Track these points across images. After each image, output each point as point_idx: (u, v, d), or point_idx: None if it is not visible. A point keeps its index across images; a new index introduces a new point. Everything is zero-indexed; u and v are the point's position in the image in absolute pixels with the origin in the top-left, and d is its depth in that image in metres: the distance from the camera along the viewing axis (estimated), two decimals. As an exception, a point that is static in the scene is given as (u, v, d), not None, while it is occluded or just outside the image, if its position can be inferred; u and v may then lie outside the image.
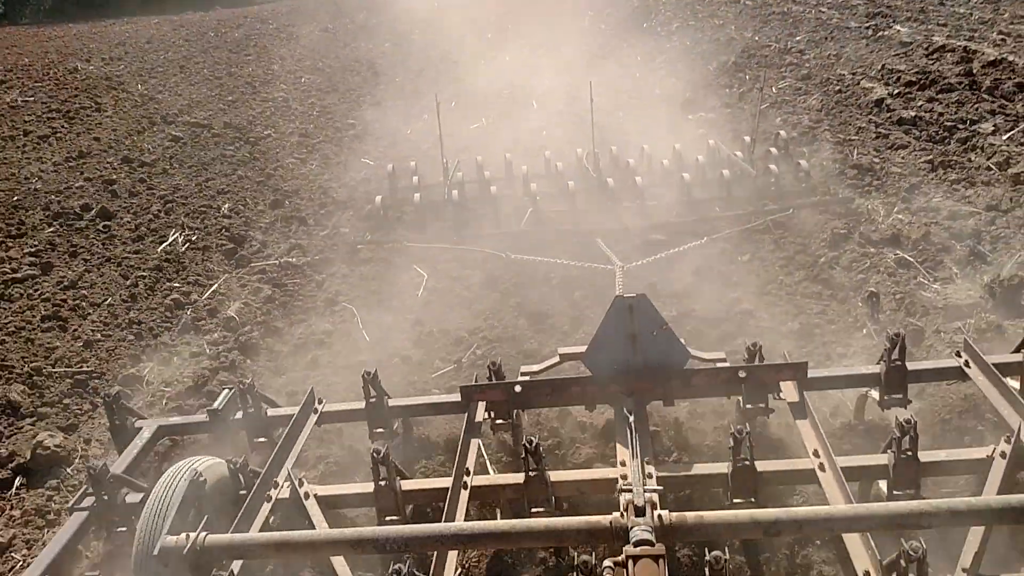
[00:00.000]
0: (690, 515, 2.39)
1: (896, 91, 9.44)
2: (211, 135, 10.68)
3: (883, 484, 3.04)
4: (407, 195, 7.36)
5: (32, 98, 12.70)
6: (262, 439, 3.76)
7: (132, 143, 10.33)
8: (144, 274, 6.47)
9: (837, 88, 9.93)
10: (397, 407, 3.71)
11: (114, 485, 3.35)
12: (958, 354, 3.49)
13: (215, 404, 3.74)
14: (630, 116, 9.67)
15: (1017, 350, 3.45)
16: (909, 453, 2.91)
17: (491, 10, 17.47)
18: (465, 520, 3.00)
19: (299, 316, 5.78)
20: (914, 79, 9.64)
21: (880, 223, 6.08)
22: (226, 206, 8.00)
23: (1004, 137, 7.29)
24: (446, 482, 3.17)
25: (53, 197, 8.07)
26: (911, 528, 2.39)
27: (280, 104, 12.52)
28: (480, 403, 3.56)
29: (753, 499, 2.99)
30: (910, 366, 3.37)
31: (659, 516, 2.36)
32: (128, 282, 6.35)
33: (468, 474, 3.21)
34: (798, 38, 13.56)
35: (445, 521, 2.91)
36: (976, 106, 8.33)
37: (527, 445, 3.02)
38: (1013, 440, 2.88)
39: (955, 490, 3.25)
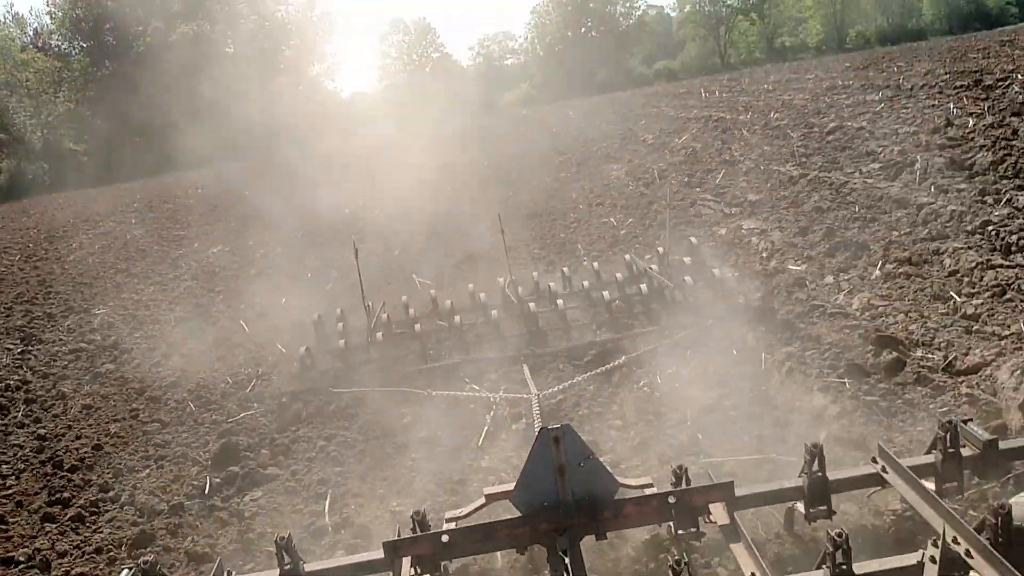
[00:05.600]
0: None
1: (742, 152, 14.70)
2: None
3: None
4: (334, 342, 7.08)
5: (192, 200, 20.40)
6: None
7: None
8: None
9: (721, 156, 14.96)
10: (314, 572, 3.40)
11: None
12: (874, 460, 3.47)
13: None
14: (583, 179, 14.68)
15: (929, 451, 3.48)
16: (843, 567, 2.86)
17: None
18: None
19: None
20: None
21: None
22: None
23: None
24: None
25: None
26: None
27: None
28: (406, 558, 3.31)
29: None
30: (830, 475, 3.36)
31: None
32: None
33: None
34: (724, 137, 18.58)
35: None
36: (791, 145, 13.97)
37: None
38: (940, 543, 2.86)
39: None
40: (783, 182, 10.56)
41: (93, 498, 5.09)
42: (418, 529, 3.46)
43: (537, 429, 4.10)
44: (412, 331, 6.95)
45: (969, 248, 6.46)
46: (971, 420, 3.50)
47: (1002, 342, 4.87)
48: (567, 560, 3.05)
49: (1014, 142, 10.05)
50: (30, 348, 9.14)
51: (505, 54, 79.83)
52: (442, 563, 3.40)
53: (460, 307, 7.31)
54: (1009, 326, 5.07)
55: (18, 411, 7.01)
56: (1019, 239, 6.33)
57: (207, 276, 11.87)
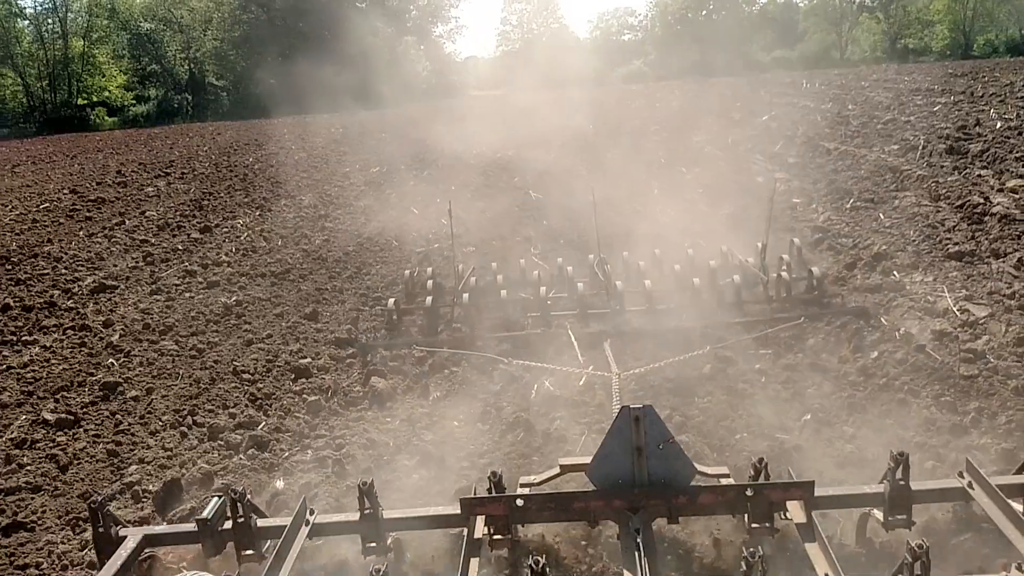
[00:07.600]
0: None
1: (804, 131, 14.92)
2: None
3: None
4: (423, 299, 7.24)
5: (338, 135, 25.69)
6: (250, 551, 3.52)
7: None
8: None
9: (787, 133, 15.16)
10: (392, 519, 3.54)
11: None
12: (961, 474, 3.42)
13: (204, 513, 3.50)
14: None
15: (1019, 471, 3.47)
16: (922, 579, 2.74)
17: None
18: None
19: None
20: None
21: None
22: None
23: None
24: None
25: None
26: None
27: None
28: (479, 517, 3.45)
29: None
30: (914, 486, 3.31)
31: None
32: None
33: (473, 597, 2.94)
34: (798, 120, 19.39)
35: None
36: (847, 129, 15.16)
37: (533, 566, 2.87)
38: None
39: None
40: (820, 153, 13.67)
41: (356, 270, 9.18)
42: (494, 490, 3.50)
43: (616, 407, 4.29)
44: (498, 297, 7.03)
45: (913, 196, 9.60)
46: None
47: (891, 237, 8.15)
48: (639, 539, 3.10)
49: (1010, 139, 12.78)
50: (264, 214, 13.32)
51: (623, 29, 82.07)
52: (513, 526, 3.47)
53: (547, 279, 7.29)
54: (901, 231, 8.32)
55: (280, 242, 11.09)
56: (947, 192, 9.46)
57: (375, 185, 15.83)
